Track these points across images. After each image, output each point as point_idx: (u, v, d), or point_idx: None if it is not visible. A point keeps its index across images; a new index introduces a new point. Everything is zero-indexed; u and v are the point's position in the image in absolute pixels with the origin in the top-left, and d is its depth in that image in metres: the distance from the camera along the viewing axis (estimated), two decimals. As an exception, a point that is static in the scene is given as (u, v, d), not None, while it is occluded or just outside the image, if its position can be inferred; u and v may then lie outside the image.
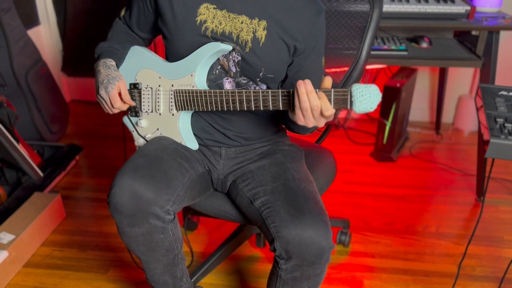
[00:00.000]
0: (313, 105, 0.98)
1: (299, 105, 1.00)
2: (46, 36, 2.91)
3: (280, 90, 1.05)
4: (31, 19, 2.75)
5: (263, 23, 1.14)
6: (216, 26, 1.15)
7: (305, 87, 0.98)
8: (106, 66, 1.23)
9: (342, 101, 0.97)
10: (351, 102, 0.95)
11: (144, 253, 1.18)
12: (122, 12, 1.35)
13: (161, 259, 1.20)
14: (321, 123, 1.02)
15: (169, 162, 1.16)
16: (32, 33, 2.69)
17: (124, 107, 1.24)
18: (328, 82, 0.99)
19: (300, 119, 1.02)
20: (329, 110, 0.98)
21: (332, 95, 0.97)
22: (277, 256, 1.10)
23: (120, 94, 1.22)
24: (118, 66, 1.28)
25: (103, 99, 1.22)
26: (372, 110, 0.94)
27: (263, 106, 1.09)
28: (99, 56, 1.27)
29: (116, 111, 1.24)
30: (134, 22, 1.30)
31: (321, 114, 0.99)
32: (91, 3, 2.88)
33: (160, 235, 1.14)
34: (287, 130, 1.41)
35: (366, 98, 0.93)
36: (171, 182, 1.13)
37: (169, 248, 1.19)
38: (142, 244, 1.15)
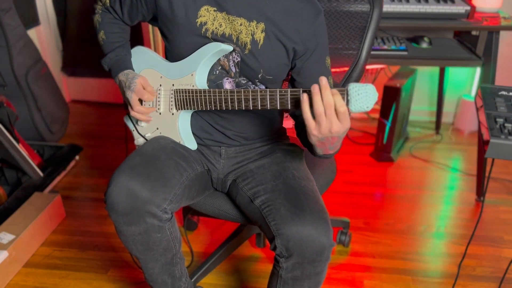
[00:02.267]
0: (326, 101, 0.92)
1: (308, 111, 0.94)
2: (46, 36, 2.91)
3: (278, 90, 1.05)
4: (31, 19, 2.75)
5: (261, 25, 1.14)
6: (216, 28, 1.15)
7: (317, 87, 0.92)
8: (124, 74, 1.26)
9: None
10: (348, 101, 0.95)
11: (141, 252, 1.18)
12: (107, 0, 1.29)
13: (159, 258, 1.20)
14: (339, 130, 0.95)
15: (166, 161, 1.16)
16: (32, 33, 2.69)
17: (152, 98, 1.24)
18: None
19: (311, 129, 0.96)
20: (344, 105, 0.92)
21: None
22: (277, 255, 1.10)
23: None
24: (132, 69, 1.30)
25: (129, 99, 1.22)
26: (368, 109, 0.94)
27: (261, 106, 1.09)
28: (111, 68, 1.29)
29: (139, 108, 1.23)
30: (126, 15, 1.28)
31: (335, 111, 0.93)
32: (91, 3, 2.86)
33: (157, 234, 1.14)
34: (287, 130, 1.41)
35: (363, 97, 0.93)
36: (168, 181, 1.13)
37: (167, 247, 1.19)
38: (139, 243, 1.15)
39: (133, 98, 1.22)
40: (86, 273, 1.69)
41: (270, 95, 1.06)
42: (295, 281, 1.12)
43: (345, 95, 0.95)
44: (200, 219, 1.96)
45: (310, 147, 1.10)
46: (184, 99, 1.20)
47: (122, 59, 1.28)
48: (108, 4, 1.29)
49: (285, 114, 1.41)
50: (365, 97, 0.93)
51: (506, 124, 1.12)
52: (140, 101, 1.27)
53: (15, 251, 1.66)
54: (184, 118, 1.25)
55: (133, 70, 1.30)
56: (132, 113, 1.26)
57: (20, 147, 2.02)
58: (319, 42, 1.19)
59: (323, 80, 0.93)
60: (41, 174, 2.13)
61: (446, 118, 2.84)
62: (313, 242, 1.04)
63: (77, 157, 2.40)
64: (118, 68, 1.27)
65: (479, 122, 1.25)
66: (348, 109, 0.95)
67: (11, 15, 2.32)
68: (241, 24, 1.14)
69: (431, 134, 2.76)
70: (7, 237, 1.67)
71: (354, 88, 0.94)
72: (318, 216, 1.06)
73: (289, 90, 1.03)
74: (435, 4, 1.88)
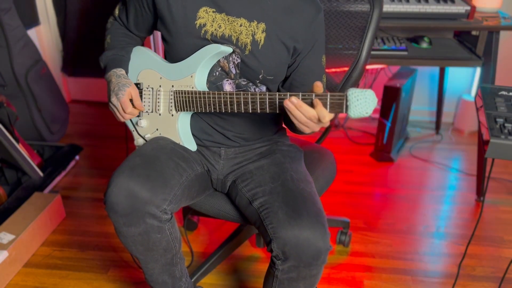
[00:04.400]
0: (309, 116, 0.99)
1: (296, 120, 1.01)
2: (46, 36, 2.91)
3: (277, 93, 1.05)
4: (31, 19, 2.75)
5: (262, 25, 1.14)
6: (215, 30, 1.15)
7: (292, 104, 0.99)
8: (116, 75, 1.24)
9: (338, 106, 0.97)
10: (347, 107, 0.95)
11: (141, 252, 1.18)
12: (117, 12, 1.33)
13: (159, 258, 1.20)
14: (325, 125, 1.03)
15: (166, 162, 1.16)
16: (32, 33, 2.69)
17: (135, 112, 1.24)
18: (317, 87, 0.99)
19: (302, 129, 1.04)
20: (326, 117, 0.98)
21: (328, 100, 0.97)
22: (274, 257, 1.10)
23: (132, 100, 1.23)
24: (126, 73, 1.29)
25: (115, 106, 1.21)
26: (367, 115, 0.94)
27: (260, 109, 1.09)
28: (106, 65, 1.28)
29: (128, 117, 1.23)
30: (132, 23, 1.29)
31: (319, 120, 0.99)
32: (91, 3, 2.87)
33: (157, 235, 1.14)
34: (287, 130, 1.41)
35: (362, 102, 0.93)
36: (168, 181, 1.13)
37: (167, 247, 1.19)
38: (139, 243, 1.15)
39: (119, 107, 1.20)
40: (86, 273, 1.69)
41: (269, 99, 1.06)
42: (290, 281, 1.12)
43: (344, 100, 0.95)
44: (200, 219, 1.96)
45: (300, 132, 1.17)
46: (183, 100, 1.20)
47: (118, 58, 1.27)
48: (117, 15, 1.33)
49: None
50: (364, 102, 0.93)
51: (506, 124, 1.12)
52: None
53: (15, 251, 1.66)
54: (183, 120, 1.25)
55: (127, 71, 1.29)
56: (120, 119, 1.24)
57: (20, 147, 2.02)
58: (317, 40, 1.19)
59: (294, 100, 0.98)
60: (41, 174, 2.13)
61: (446, 118, 2.84)
62: (310, 247, 1.04)
63: (77, 157, 2.40)
64: (112, 66, 1.26)
65: (479, 122, 1.25)
66: (347, 114, 0.95)
67: (11, 15, 2.32)
68: (241, 25, 1.14)
69: (431, 134, 2.76)
70: (7, 237, 1.67)
71: (353, 93, 0.93)
72: (315, 220, 1.06)
73: (288, 94, 1.03)
74: (435, 4, 1.88)
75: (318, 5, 1.17)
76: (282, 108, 1.05)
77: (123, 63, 1.28)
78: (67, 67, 3.09)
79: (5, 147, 1.96)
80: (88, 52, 2.98)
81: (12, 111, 2.04)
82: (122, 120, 1.25)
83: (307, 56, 1.19)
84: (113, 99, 1.21)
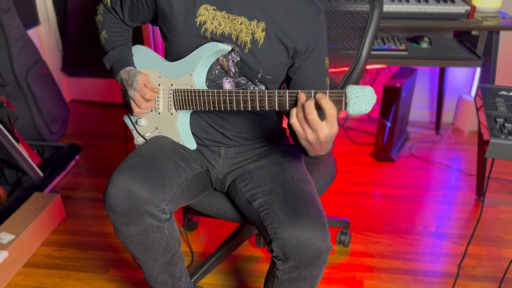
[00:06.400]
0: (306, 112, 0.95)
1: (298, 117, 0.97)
2: (46, 36, 2.91)
3: (276, 91, 1.05)
4: (31, 19, 2.75)
5: (262, 24, 1.14)
6: (215, 27, 1.15)
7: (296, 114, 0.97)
8: (126, 71, 1.24)
9: (337, 103, 0.97)
10: (346, 104, 0.95)
11: (141, 252, 1.18)
12: (109, 1, 1.29)
13: (159, 258, 1.20)
14: (319, 133, 0.98)
15: (165, 161, 1.16)
16: (32, 33, 2.69)
17: (155, 96, 1.22)
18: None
19: (298, 133, 0.99)
20: (312, 114, 0.95)
21: (327, 97, 0.97)
22: (274, 257, 1.10)
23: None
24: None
25: (133, 97, 1.21)
26: (366, 112, 0.94)
27: (259, 107, 1.08)
28: (113, 66, 1.27)
29: (145, 105, 1.21)
30: (127, 15, 1.27)
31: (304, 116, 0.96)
32: (91, 3, 2.87)
33: (156, 234, 1.14)
34: (287, 130, 1.41)
35: (361, 99, 0.93)
36: (167, 181, 1.13)
37: (166, 247, 1.19)
38: (138, 243, 1.15)
39: (137, 97, 1.20)
40: (86, 273, 1.69)
41: (268, 96, 1.06)
42: (291, 282, 1.12)
43: (343, 97, 0.95)
44: (200, 219, 1.96)
45: (301, 147, 1.11)
46: (182, 99, 1.20)
47: (123, 56, 1.27)
48: (109, 5, 1.29)
49: (285, 114, 1.41)
50: (363, 99, 0.93)
51: (506, 124, 1.12)
52: None
53: (15, 251, 1.66)
54: (183, 118, 1.25)
55: (135, 67, 1.29)
56: (137, 111, 1.24)
57: (20, 147, 2.02)
58: (319, 41, 1.18)
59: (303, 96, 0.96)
60: (41, 174, 2.13)
61: (446, 118, 2.84)
62: (310, 247, 1.04)
63: (77, 157, 2.40)
64: (120, 66, 1.26)
65: (479, 122, 1.25)
66: (346, 111, 0.95)
67: (11, 15, 2.32)
68: (241, 23, 1.14)
69: (431, 134, 2.76)
70: (7, 237, 1.67)
71: (352, 90, 0.93)
72: (315, 221, 1.06)
73: (287, 91, 1.02)
74: (435, 4, 1.88)
75: (318, 6, 1.17)
76: (281, 106, 1.05)
77: (130, 60, 1.27)
78: (67, 67, 3.09)
79: (5, 147, 1.96)
80: (88, 52, 2.98)
81: (12, 111, 2.04)
82: (139, 110, 1.23)
83: (309, 57, 1.18)
84: (130, 91, 1.20)
